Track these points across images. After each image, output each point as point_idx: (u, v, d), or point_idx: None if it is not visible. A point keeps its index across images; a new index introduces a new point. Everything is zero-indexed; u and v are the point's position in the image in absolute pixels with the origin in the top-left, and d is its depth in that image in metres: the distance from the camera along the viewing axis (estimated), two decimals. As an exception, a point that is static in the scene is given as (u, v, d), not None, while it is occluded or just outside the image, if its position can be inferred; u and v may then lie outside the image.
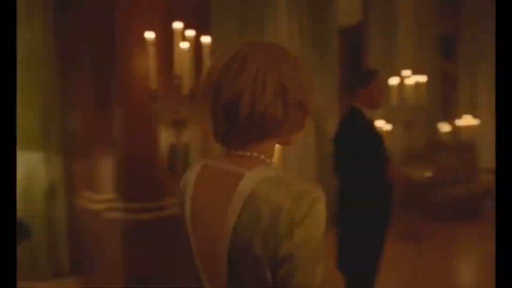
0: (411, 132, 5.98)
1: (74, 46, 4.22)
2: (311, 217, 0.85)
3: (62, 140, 4.22)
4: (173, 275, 3.57)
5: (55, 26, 4.15)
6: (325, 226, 0.87)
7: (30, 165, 4.04)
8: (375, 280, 2.91)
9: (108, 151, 4.00)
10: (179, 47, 3.38)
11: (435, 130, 7.19)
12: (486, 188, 7.37)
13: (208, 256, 0.95)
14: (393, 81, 5.41)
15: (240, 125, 0.92)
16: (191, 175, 1.01)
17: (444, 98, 7.52)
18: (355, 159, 2.80)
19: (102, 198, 4.00)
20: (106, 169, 4.07)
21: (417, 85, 5.48)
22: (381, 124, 5.48)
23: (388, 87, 5.30)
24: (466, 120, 7.49)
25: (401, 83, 5.47)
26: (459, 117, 7.55)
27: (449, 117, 7.57)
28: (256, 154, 0.95)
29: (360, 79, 2.99)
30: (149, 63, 3.39)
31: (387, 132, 5.57)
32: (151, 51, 3.36)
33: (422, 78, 5.52)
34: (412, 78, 5.44)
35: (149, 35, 3.36)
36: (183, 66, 3.40)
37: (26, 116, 3.95)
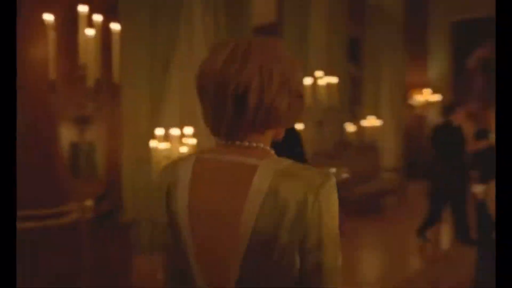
0: (322, 132, 6.08)
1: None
2: (331, 205, 0.90)
3: None
4: (75, 282, 3.19)
5: None
6: None
7: None
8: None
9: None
10: (84, 33, 3.03)
11: (343, 130, 7.43)
12: (387, 186, 7.79)
13: (214, 254, 0.92)
14: (306, 81, 5.44)
15: (248, 116, 0.92)
16: (183, 171, 0.97)
17: (352, 99, 7.79)
18: None
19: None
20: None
21: (329, 85, 5.58)
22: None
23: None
24: (370, 121, 7.85)
25: (314, 84, 5.53)
26: (364, 117, 7.89)
27: (355, 118, 7.87)
28: (262, 145, 0.96)
29: None
30: (49, 49, 2.98)
31: (299, 131, 5.59)
32: (51, 36, 2.96)
33: (333, 79, 5.63)
34: (324, 79, 5.52)
35: (48, 17, 2.96)
36: (88, 55, 3.05)
37: None
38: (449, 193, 5.08)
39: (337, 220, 0.91)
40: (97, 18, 3.11)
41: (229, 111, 0.92)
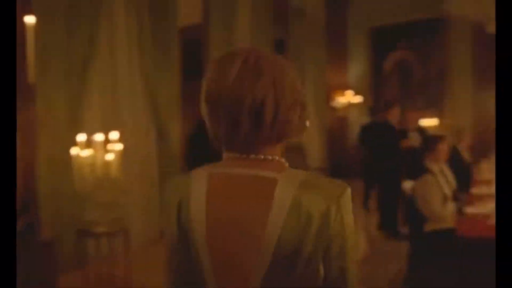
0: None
1: None
2: (350, 213, 0.94)
3: None
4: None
5: None
6: None
7: None
8: None
9: None
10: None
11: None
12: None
13: (234, 266, 0.93)
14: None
15: (265, 129, 0.93)
16: (196, 186, 0.96)
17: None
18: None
19: None
20: None
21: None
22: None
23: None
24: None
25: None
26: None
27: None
28: (277, 157, 0.97)
29: None
30: None
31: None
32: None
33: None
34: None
35: None
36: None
37: None
38: (383, 189, 5.21)
39: (353, 226, 0.96)
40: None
41: (246, 125, 0.92)
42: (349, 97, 9.26)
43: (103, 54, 4.59)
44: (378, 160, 5.26)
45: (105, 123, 4.34)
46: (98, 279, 3.88)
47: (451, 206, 3.37)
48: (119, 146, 3.87)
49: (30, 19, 2.80)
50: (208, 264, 0.94)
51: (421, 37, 8.82)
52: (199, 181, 0.96)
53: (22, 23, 2.78)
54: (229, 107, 0.92)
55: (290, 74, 0.95)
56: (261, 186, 0.92)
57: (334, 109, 9.39)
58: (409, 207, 3.60)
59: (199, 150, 2.63)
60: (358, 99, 9.13)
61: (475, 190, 4.37)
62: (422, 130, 5.70)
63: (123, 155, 3.95)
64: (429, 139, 3.65)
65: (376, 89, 9.33)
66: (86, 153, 3.56)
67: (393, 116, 5.20)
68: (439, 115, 8.46)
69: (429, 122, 7.87)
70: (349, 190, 0.94)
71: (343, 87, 9.38)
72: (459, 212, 3.44)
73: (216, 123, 0.95)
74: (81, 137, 3.55)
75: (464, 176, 4.40)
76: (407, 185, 3.74)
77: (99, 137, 3.62)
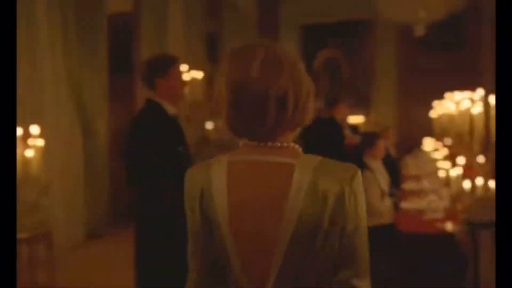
0: (188, 128, 5.84)
1: None
2: (362, 194, 1.02)
3: None
4: None
5: None
6: None
7: None
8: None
9: None
10: None
11: (203, 126, 7.29)
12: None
13: (256, 244, 1.00)
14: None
15: (287, 117, 1.01)
16: (216, 173, 1.03)
17: (209, 96, 7.69)
18: (152, 167, 2.43)
19: None
20: None
21: (193, 80, 5.37)
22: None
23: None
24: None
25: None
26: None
27: (213, 115, 7.77)
28: (292, 144, 1.05)
29: (157, 66, 2.55)
30: None
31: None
32: None
33: (198, 74, 5.44)
34: (189, 74, 5.30)
35: None
36: None
37: None
38: None
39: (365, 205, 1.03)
40: None
41: (273, 114, 0.99)
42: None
43: (22, 49, 4.15)
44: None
45: (24, 117, 3.95)
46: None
47: (388, 202, 3.45)
48: (40, 142, 3.56)
49: None
50: (233, 247, 1.00)
51: (350, 37, 9.09)
52: (219, 169, 1.03)
53: None
54: (255, 97, 0.98)
55: (301, 67, 1.04)
56: (280, 171, 1.00)
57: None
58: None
59: (143, 147, 2.45)
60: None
61: (405, 186, 4.53)
62: (354, 127, 5.80)
63: (45, 152, 3.65)
64: (368, 136, 3.71)
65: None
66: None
67: (340, 114, 5.07)
68: (365, 113, 8.79)
69: (356, 120, 8.13)
70: (359, 172, 1.01)
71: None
72: (395, 207, 3.53)
73: (239, 112, 1.00)
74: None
75: (393, 172, 4.54)
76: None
77: (17, 131, 3.29)
